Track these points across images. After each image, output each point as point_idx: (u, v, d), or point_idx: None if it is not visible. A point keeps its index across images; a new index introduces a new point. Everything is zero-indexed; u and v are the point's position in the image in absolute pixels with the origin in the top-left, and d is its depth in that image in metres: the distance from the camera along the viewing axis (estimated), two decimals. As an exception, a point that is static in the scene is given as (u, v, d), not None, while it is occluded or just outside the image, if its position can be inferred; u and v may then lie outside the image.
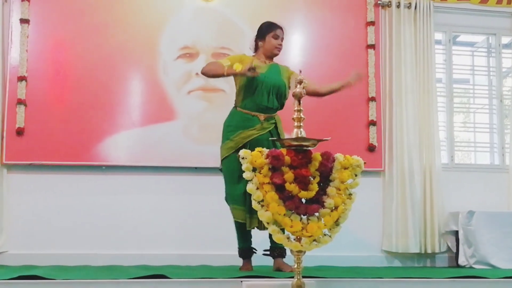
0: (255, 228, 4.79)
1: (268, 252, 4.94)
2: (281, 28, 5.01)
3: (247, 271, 4.87)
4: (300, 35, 7.03)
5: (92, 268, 5.26)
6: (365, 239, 6.87)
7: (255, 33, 5.10)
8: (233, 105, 5.04)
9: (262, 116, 4.87)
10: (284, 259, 4.90)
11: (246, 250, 5.02)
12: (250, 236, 5.02)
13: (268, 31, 4.99)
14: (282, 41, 5.01)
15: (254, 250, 5.03)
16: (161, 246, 6.42)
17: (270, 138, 4.64)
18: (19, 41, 6.43)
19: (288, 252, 3.48)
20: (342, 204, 3.46)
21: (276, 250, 4.89)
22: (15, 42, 6.45)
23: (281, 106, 5.01)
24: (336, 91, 5.06)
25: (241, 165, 3.59)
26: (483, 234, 6.50)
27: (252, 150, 4.02)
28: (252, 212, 4.52)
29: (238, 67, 4.76)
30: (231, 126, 4.92)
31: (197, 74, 6.67)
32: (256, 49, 5.09)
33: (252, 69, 4.60)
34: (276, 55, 5.05)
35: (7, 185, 6.35)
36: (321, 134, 3.56)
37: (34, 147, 6.33)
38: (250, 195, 3.59)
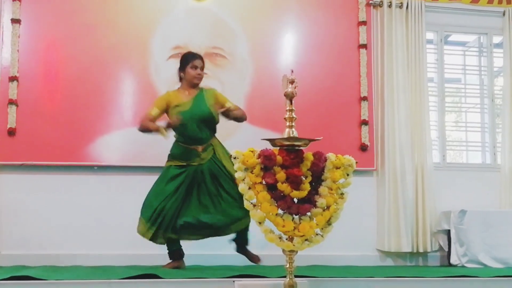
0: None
1: (235, 239, 5.38)
2: (200, 58, 5.34)
3: (176, 268, 5.18)
4: (292, 35, 7.03)
5: (84, 269, 5.26)
6: (358, 238, 6.87)
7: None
8: (174, 138, 5.34)
9: (199, 148, 5.19)
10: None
11: (175, 252, 5.32)
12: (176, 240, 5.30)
13: (186, 63, 5.30)
14: (202, 70, 5.32)
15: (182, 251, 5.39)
16: (153, 246, 6.38)
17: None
18: (10, 41, 6.41)
19: (279, 251, 3.48)
20: (334, 204, 3.46)
21: (241, 241, 5.38)
22: (6, 42, 6.43)
23: (214, 131, 5.33)
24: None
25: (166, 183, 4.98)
26: (475, 233, 6.51)
27: (198, 180, 5.09)
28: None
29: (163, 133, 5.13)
30: (174, 155, 5.31)
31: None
32: (181, 79, 5.38)
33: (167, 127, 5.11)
34: (197, 84, 5.31)
35: (-2, 185, 6.34)
36: (313, 134, 3.56)
37: (25, 147, 6.31)
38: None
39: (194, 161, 5.17)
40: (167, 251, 5.33)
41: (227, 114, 5.20)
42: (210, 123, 5.23)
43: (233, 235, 5.33)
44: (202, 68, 5.31)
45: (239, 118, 5.30)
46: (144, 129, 5.22)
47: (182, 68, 5.33)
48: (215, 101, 5.27)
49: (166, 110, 5.25)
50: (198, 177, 5.16)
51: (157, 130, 5.12)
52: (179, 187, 5.15)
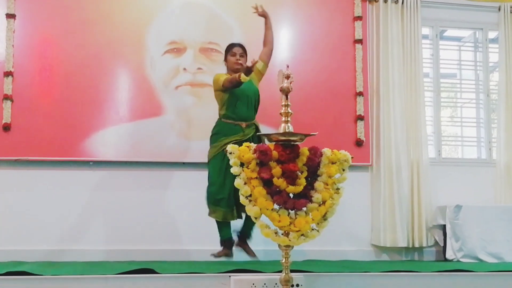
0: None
1: (238, 234, 5.54)
2: (239, 45, 5.64)
3: (225, 256, 5.40)
4: (288, 30, 7.02)
5: (80, 264, 5.25)
6: (354, 233, 6.88)
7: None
8: (218, 117, 5.56)
9: (244, 124, 5.45)
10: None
11: (227, 240, 5.45)
12: (230, 227, 5.48)
13: (227, 51, 5.65)
14: (241, 57, 5.58)
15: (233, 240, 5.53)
16: (149, 242, 6.41)
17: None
18: (5, 36, 6.39)
19: (276, 247, 3.49)
20: (330, 199, 3.47)
21: (245, 236, 5.52)
22: (1, 37, 6.40)
23: (256, 111, 5.62)
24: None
25: (227, 161, 4.20)
26: (470, 228, 6.53)
27: None
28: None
29: (244, 78, 5.19)
30: (217, 135, 5.49)
31: (184, 69, 6.67)
32: (227, 69, 5.67)
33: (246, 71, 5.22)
34: (238, 70, 5.45)
35: (-7, 180, 6.33)
36: (308, 129, 3.57)
37: (21, 143, 6.29)
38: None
39: (238, 136, 5.36)
40: (220, 238, 5.47)
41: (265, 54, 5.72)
42: (256, 101, 5.56)
43: (239, 227, 5.50)
44: (241, 55, 5.57)
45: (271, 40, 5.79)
46: (230, 84, 5.34)
47: (225, 58, 5.66)
48: (256, 76, 5.62)
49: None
50: None
51: (238, 77, 5.23)
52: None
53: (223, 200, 5.29)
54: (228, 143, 5.17)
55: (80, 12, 6.57)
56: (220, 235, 5.46)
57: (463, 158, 7.64)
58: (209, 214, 5.40)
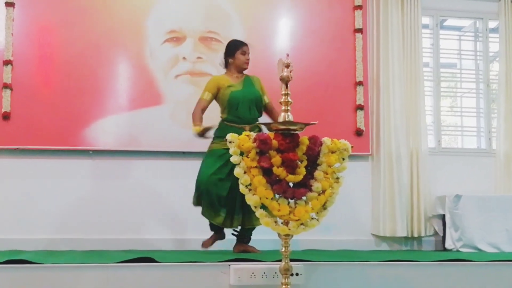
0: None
1: (236, 234, 5.38)
2: (246, 45, 5.49)
3: (217, 240, 5.39)
4: (287, 19, 7.01)
5: (80, 253, 5.25)
6: (353, 223, 6.89)
7: (224, 51, 5.53)
8: (221, 118, 5.41)
9: (247, 127, 5.21)
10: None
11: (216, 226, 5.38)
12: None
13: (236, 49, 5.46)
14: (249, 56, 5.47)
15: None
16: (149, 231, 6.42)
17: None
18: (5, 25, 6.39)
19: (275, 236, 3.49)
20: (330, 188, 3.46)
21: (245, 238, 5.40)
22: (0, 26, 6.39)
23: (261, 114, 5.49)
24: None
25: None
26: (470, 218, 6.54)
27: None
28: (233, 213, 5.18)
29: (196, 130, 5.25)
30: (220, 136, 5.20)
31: (184, 58, 6.66)
32: (227, 65, 5.52)
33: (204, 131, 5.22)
34: (245, 69, 5.48)
35: (-7, 169, 6.33)
36: (308, 118, 3.56)
37: (20, 132, 6.30)
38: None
39: None
40: (209, 222, 5.37)
41: (266, 108, 5.50)
42: (258, 105, 5.43)
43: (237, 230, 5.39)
44: (249, 54, 5.47)
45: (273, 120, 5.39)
46: (202, 132, 5.25)
47: (231, 54, 5.46)
48: (261, 87, 5.50)
49: (217, 94, 5.37)
50: None
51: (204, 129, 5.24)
52: (227, 165, 5.11)
53: (222, 200, 5.16)
54: (221, 148, 5.17)
55: (79, 0, 6.56)
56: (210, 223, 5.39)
57: (463, 148, 7.63)
58: (208, 217, 5.27)
